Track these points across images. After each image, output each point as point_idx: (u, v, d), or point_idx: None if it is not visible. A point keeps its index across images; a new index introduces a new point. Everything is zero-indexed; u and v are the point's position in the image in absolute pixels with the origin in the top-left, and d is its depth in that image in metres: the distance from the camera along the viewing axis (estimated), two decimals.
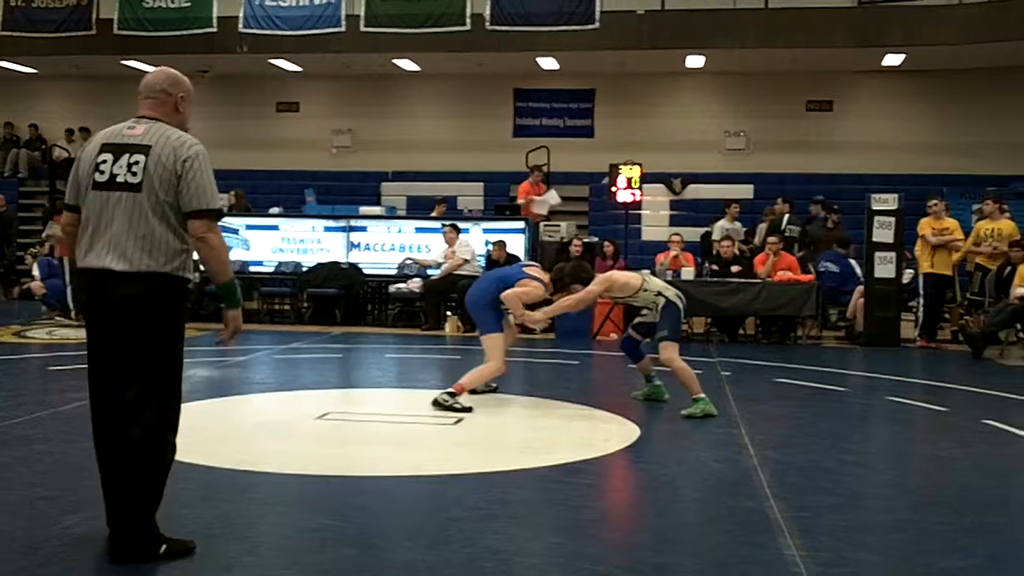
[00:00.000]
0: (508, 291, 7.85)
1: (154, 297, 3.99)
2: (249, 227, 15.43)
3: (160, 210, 3.98)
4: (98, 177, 4.03)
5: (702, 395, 7.54)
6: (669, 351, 7.65)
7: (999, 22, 15.84)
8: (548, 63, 18.31)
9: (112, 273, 3.96)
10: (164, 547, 4.02)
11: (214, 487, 5.25)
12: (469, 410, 7.38)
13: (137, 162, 3.98)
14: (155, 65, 18.80)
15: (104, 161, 4.03)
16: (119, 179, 3.99)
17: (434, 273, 13.99)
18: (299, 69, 19.35)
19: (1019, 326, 11.76)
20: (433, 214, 16.11)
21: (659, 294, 7.76)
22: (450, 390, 7.51)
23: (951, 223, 12.84)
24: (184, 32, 17.26)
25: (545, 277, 8.04)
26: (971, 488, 5.63)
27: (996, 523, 4.93)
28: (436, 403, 7.46)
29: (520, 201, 15.88)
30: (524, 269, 8.30)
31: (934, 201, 12.89)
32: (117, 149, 4.04)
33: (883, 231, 12.78)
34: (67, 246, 4.25)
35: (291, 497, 5.19)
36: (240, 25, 17.07)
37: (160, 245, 3.97)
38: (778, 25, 16.61)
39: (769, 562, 4.18)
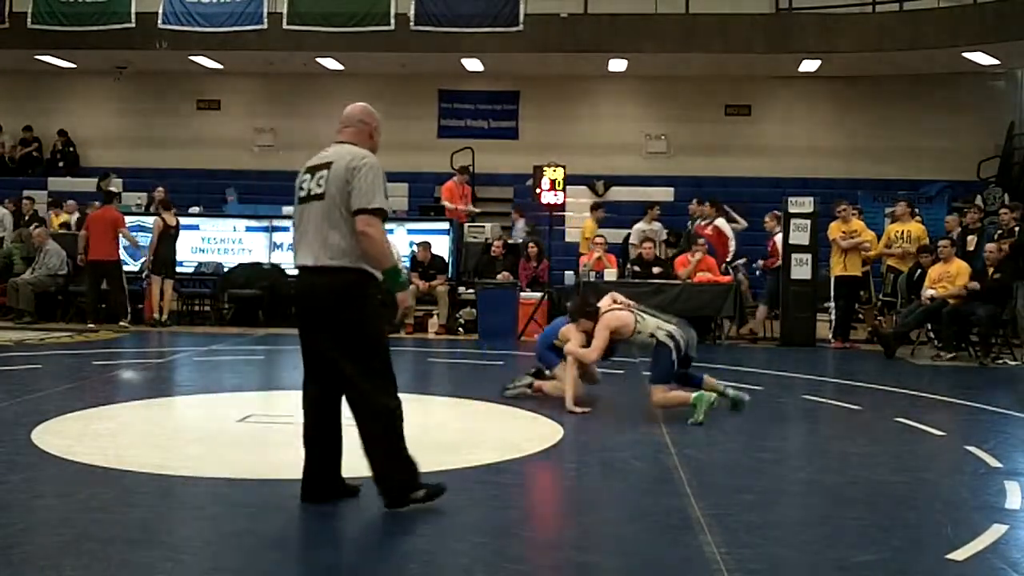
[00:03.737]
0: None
1: (343, 286, 4.67)
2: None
3: (337, 213, 4.66)
4: (300, 194, 4.85)
5: (692, 397, 7.48)
6: (655, 394, 7.59)
7: (912, 30, 16.31)
8: (472, 64, 18.33)
9: (309, 268, 4.74)
10: (422, 492, 4.75)
11: (134, 491, 5.16)
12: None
13: (323, 176, 4.74)
14: (71, 60, 18.34)
15: (305, 180, 4.85)
16: (313, 193, 4.77)
17: None
18: (220, 66, 19.05)
19: (929, 326, 12.12)
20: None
21: (651, 335, 7.64)
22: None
23: (858, 224, 13.24)
24: (101, 27, 16.83)
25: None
26: (884, 484, 5.80)
27: (907, 518, 5.08)
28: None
29: (445, 203, 15.83)
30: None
31: (842, 206, 13.24)
32: (314, 170, 4.82)
33: (799, 233, 13.09)
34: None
35: (213, 501, 5.14)
36: (159, 21, 16.73)
37: (340, 243, 4.65)
38: (698, 30, 16.87)
39: (690, 559, 4.26)
